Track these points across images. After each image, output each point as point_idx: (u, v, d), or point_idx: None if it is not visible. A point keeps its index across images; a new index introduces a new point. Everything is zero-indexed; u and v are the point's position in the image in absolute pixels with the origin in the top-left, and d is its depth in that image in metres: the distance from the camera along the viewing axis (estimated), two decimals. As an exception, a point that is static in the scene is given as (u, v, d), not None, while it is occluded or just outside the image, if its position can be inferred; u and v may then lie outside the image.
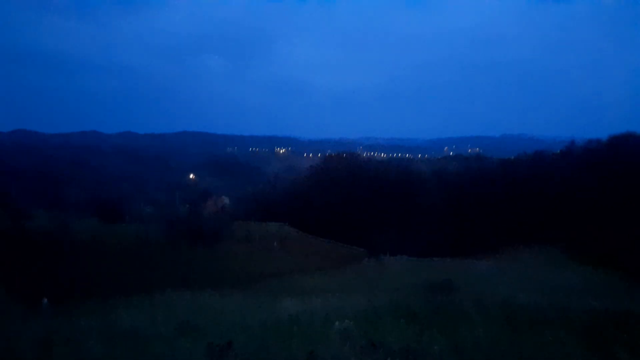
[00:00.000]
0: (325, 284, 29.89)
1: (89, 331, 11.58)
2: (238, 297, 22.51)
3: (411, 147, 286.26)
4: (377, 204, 73.89)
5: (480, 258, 46.96)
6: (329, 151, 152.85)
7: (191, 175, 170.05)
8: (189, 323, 12.28)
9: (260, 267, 39.03)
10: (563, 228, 54.52)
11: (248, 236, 51.11)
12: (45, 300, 21.99)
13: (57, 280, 28.08)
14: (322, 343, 8.87)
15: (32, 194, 75.45)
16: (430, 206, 72.27)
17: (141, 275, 32.88)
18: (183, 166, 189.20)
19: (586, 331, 8.50)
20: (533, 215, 62.39)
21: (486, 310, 11.09)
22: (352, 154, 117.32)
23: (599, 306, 11.27)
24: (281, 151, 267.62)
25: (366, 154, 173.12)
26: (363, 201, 75.82)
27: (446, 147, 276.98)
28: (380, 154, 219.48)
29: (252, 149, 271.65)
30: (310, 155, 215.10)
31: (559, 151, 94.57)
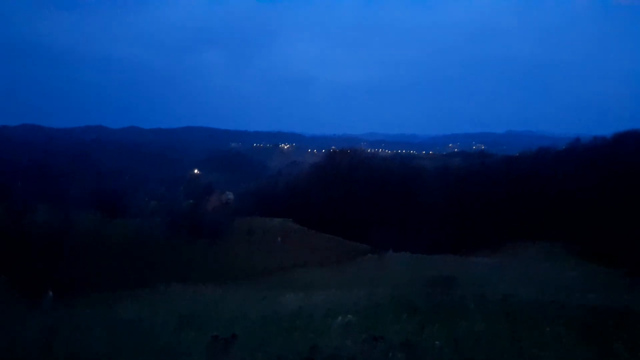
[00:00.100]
0: (328, 279, 29.98)
1: (94, 322, 11.71)
2: (240, 291, 22.64)
3: (415, 144, 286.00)
4: (380, 200, 73.90)
5: (482, 255, 46.96)
6: (332, 147, 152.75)
7: (195, 170, 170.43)
8: (192, 316, 12.39)
9: (263, 262, 39.13)
10: (565, 225, 54.48)
11: (250, 231, 51.17)
12: (50, 293, 22.15)
13: (60, 274, 28.21)
14: (324, 337, 8.95)
15: (36, 188, 75.65)
16: (433, 203, 72.21)
17: (144, 269, 33.05)
18: (187, 161, 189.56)
19: (585, 327, 8.56)
20: (535, 212, 62.33)
21: (486, 305, 11.16)
22: (356, 150, 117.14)
23: (599, 303, 11.32)
24: (285, 147, 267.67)
25: (370, 150, 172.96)
26: (366, 197, 75.82)
27: (450, 144, 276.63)
28: (384, 150, 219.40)
29: (255, 144, 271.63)
30: (315, 151, 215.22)
31: (563, 148, 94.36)
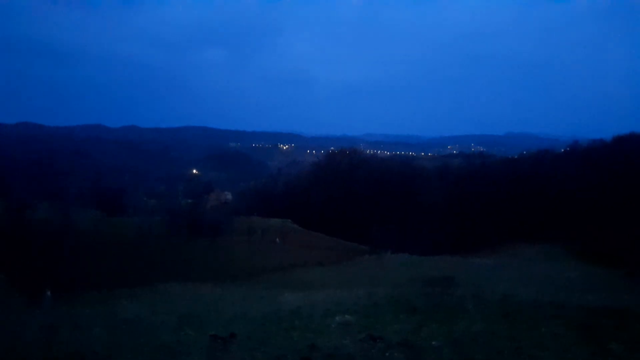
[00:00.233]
0: (326, 279, 30.03)
1: (94, 319, 11.74)
2: (239, 290, 22.68)
3: (414, 145, 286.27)
4: (379, 201, 74.00)
5: (481, 255, 47.08)
6: (331, 148, 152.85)
7: (194, 170, 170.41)
8: (191, 314, 12.43)
9: (262, 261, 39.16)
10: (565, 226, 54.64)
11: (250, 231, 51.24)
12: (49, 291, 22.17)
13: (59, 272, 28.22)
14: (322, 336, 8.98)
15: (36, 185, 75.62)
16: (432, 204, 72.33)
17: (143, 268, 33.08)
18: (186, 160, 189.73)
19: (584, 327, 8.60)
20: (535, 213, 62.47)
21: (485, 305, 11.20)
22: (355, 150, 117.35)
23: (597, 303, 11.37)
24: (284, 147, 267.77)
25: (369, 151, 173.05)
26: (365, 198, 75.92)
27: (450, 145, 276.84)
28: (384, 151, 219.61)
29: (255, 144, 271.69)
30: (314, 151, 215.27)
31: (562, 150, 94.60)
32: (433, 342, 8.10)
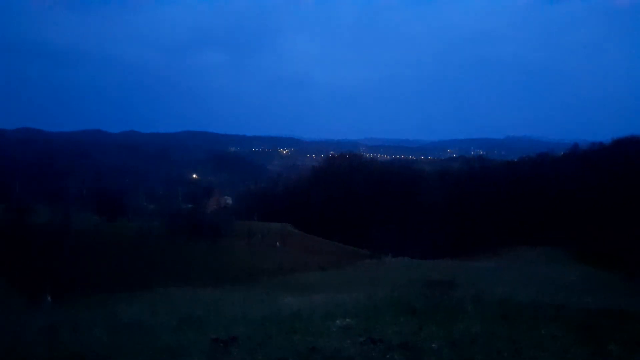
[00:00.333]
0: (327, 282, 30.10)
1: (94, 322, 11.79)
2: (239, 293, 22.72)
3: (413, 148, 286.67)
4: (379, 206, 74.08)
5: (481, 258, 47.17)
6: (331, 152, 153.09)
7: (194, 174, 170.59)
8: (191, 317, 12.47)
9: (262, 264, 39.27)
10: (565, 229, 54.72)
11: (250, 235, 51.33)
12: (49, 294, 22.22)
13: (59, 275, 28.28)
14: (323, 338, 9.02)
15: (35, 189, 75.72)
16: (432, 208, 72.46)
17: (143, 271, 33.14)
18: (186, 164, 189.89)
19: (583, 328, 8.65)
20: (535, 216, 62.56)
21: (484, 307, 11.25)
22: (355, 154, 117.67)
23: (597, 304, 11.43)
24: (284, 151, 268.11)
25: (369, 155, 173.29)
26: (365, 202, 76.02)
27: (449, 149, 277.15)
28: (383, 155, 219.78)
29: (254, 148, 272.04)
30: (313, 155, 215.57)
31: (562, 154, 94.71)
32: (433, 344, 8.14)
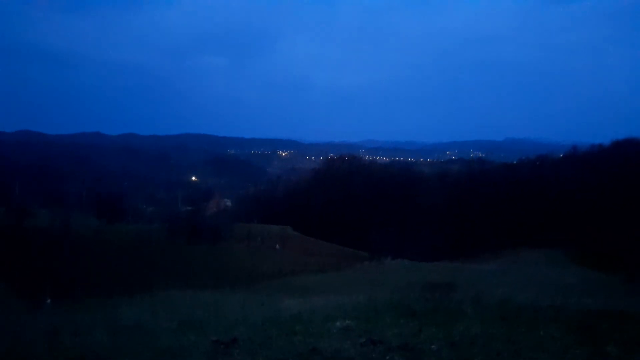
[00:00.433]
0: (326, 284, 30.15)
1: (95, 324, 11.82)
2: (239, 296, 22.74)
3: (413, 151, 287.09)
4: (378, 208, 74.14)
5: (481, 260, 47.24)
6: (330, 154, 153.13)
7: (193, 177, 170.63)
8: (192, 319, 12.50)
9: (262, 267, 39.34)
10: (565, 231, 54.85)
11: (249, 237, 51.41)
12: (49, 297, 22.24)
13: (59, 278, 28.33)
14: (323, 340, 9.06)
15: (35, 192, 75.73)
16: (432, 210, 72.50)
17: (143, 273, 33.19)
18: (185, 167, 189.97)
19: (581, 329, 8.70)
20: (535, 218, 62.64)
21: (484, 308, 11.29)
22: (354, 157, 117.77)
23: (596, 306, 11.48)
24: (283, 154, 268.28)
25: (368, 158, 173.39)
26: (364, 204, 76.09)
27: (448, 151, 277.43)
28: (383, 158, 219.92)
29: (254, 151, 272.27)
30: (313, 158, 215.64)
31: (561, 156, 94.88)
32: (432, 345, 8.19)
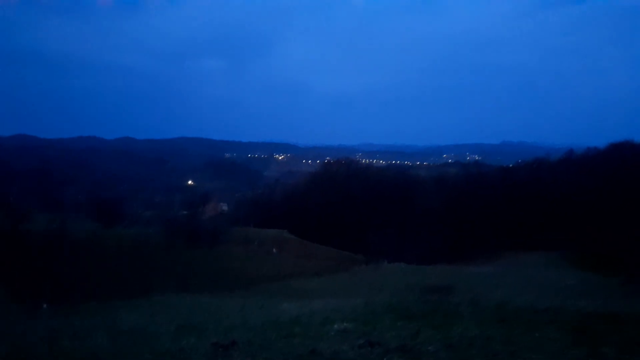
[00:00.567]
0: (324, 287, 30.19)
1: (93, 329, 11.83)
2: (238, 299, 22.78)
3: (410, 154, 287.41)
4: (375, 211, 74.15)
5: (479, 263, 47.28)
6: (327, 158, 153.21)
7: (190, 181, 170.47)
8: (190, 323, 12.54)
9: (259, 271, 39.37)
10: (563, 234, 54.96)
11: (246, 241, 51.37)
12: (46, 302, 22.20)
13: (56, 282, 28.27)
14: (322, 342, 9.10)
15: (32, 196, 75.58)
16: (429, 213, 72.55)
17: (141, 278, 33.14)
18: (182, 171, 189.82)
19: (578, 330, 8.77)
20: (532, 221, 62.78)
21: (482, 311, 11.35)
22: (351, 160, 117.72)
23: (593, 308, 11.54)
24: (280, 157, 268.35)
25: (365, 161, 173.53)
26: (362, 208, 76.11)
27: (445, 154, 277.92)
28: (380, 161, 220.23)
29: (250, 155, 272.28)
30: (309, 161, 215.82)
31: (558, 159, 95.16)
32: (430, 347, 8.24)
